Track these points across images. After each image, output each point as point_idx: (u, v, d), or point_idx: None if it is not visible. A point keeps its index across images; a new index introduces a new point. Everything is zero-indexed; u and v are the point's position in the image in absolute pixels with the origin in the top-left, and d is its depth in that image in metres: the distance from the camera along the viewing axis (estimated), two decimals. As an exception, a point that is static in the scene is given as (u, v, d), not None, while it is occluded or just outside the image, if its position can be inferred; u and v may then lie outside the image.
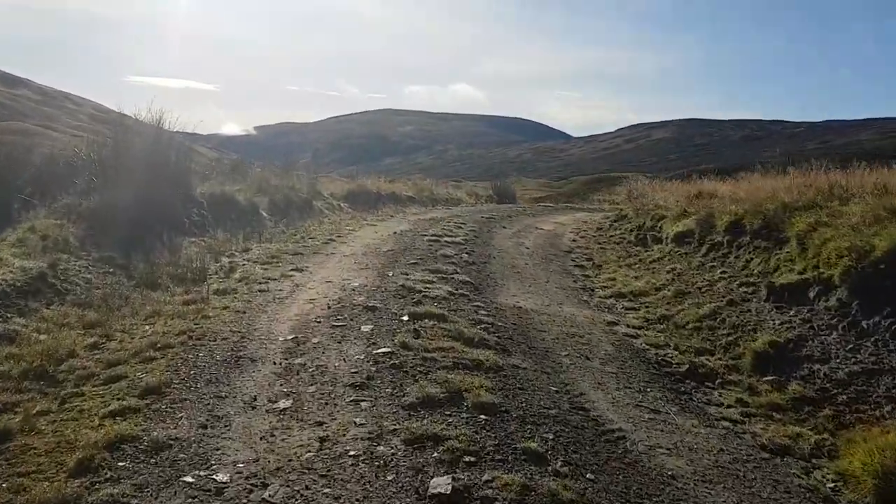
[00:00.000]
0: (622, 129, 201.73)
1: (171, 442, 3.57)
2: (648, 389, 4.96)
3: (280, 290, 6.80)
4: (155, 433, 3.64)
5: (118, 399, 4.08)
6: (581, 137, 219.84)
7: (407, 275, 7.54)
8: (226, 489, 3.16)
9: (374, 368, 4.62)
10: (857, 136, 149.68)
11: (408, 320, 5.72)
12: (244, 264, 8.07)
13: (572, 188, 63.41)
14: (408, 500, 3.12)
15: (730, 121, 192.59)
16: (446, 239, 10.12)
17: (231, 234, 10.27)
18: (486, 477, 3.32)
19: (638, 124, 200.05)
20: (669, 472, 3.67)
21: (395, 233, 10.70)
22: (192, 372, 4.53)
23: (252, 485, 3.19)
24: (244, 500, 3.07)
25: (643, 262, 9.25)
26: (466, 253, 9.18)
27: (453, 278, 7.52)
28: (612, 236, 11.80)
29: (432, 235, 10.43)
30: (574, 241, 11.63)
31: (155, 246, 8.30)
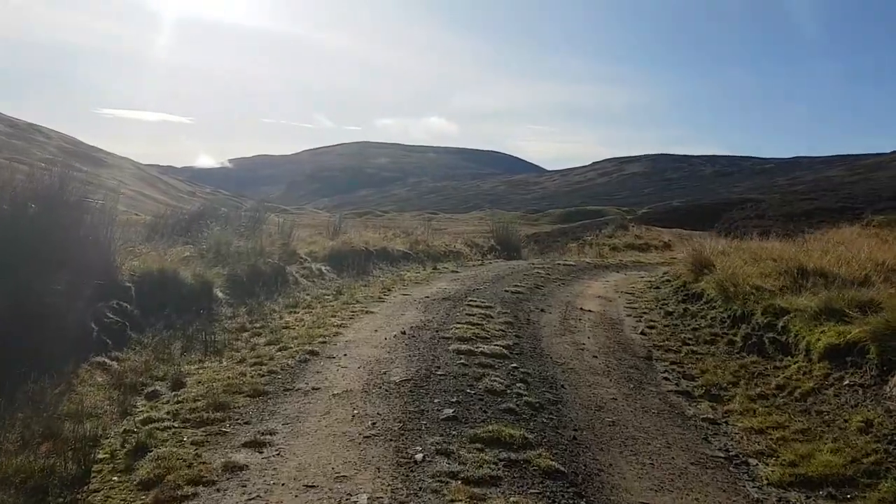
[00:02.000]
0: (596, 162, 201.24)
1: None
2: None
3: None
4: None
5: None
6: (555, 171, 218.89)
7: (447, 452, 4.25)
8: None
9: None
10: (825, 173, 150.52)
11: None
12: (167, 426, 4.68)
13: (558, 227, 60.63)
14: None
15: (700, 156, 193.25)
16: (481, 348, 6.78)
17: (165, 340, 6.86)
18: None
19: (611, 158, 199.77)
20: None
21: (403, 332, 7.35)
22: None
23: None
24: None
25: (790, 395, 6.02)
26: (521, 381, 5.87)
27: (527, 461, 4.24)
28: (695, 328, 8.58)
29: (458, 339, 7.08)
30: (644, 334, 8.39)
31: (18, 392, 4.87)
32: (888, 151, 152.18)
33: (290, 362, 6.20)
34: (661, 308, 10.03)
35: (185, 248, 11.17)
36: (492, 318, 8.32)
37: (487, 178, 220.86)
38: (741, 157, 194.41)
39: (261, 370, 5.96)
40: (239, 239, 11.42)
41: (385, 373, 5.88)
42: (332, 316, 8.30)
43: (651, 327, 8.78)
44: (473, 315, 8.34)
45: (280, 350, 6.62)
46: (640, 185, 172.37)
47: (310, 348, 6.65)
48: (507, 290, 10.50)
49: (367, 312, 8.57)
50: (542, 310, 9.25)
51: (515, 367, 6.25)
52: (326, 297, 9.98)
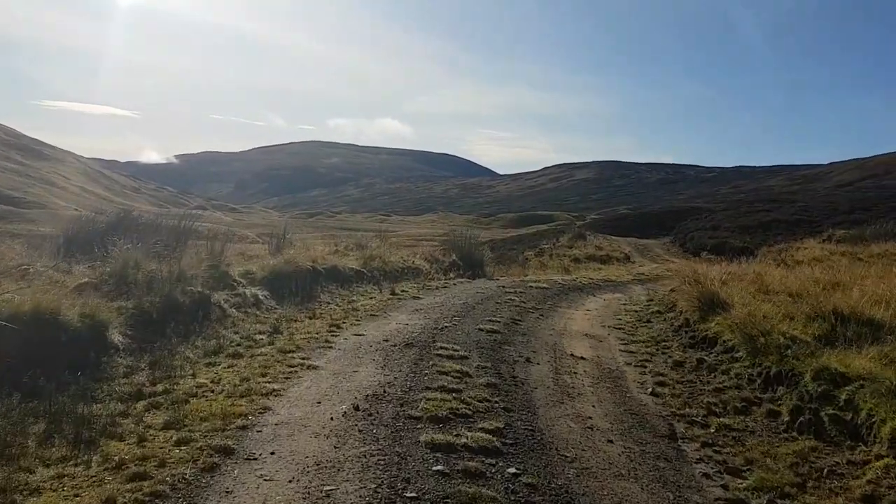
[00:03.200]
0: (547, 168, 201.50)
1: None
2: None
3: None
4: None
5: None
6: (507, 175, 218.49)
7: None
8: None
9: None
10: (766, 182, 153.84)
11: None
12: None
13: (513, 235, 59.22)
14: None
15: (646, 164, 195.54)
16: (464, 437, 4.82)
17: (15, 424, 4.79)
18: None
19: (561, 164, 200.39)
20: None
21: (356, 407, 5.36)
22: None
23: None
24: None
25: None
26: (529, 504, 4.01)
27: None
28: (717, 388, 6.83)
29: (431, 419, 5.12)
30: (655, 394, 6.61)
31: None
32: (825, 163, 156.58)
33: (188, 471, 4.16)
34: (663, 353, 8.28)
35: (86, 270, 9.00)
36: (470, 376, 6.40)
37: (441, 180, 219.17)
38: (685, 165, 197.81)
39: (141, 489, 3.92)
40: (154, 260, 9.24)
41: (329, 494, 3.91)
42: (262, 374, 6.25)
43: (661, 383, 7.01)
44: (446, 372, 6.41)
45: (180, 444, 4.56)
46: (588, 191, 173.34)
47: (222, 441, 4.61)
48: (481, 329, 8.61)
49: (309, 367, 6.55)
50: (527, 359, 7.39)
51: (515, 475, 4.35)
52: (259, 338, 7.91)
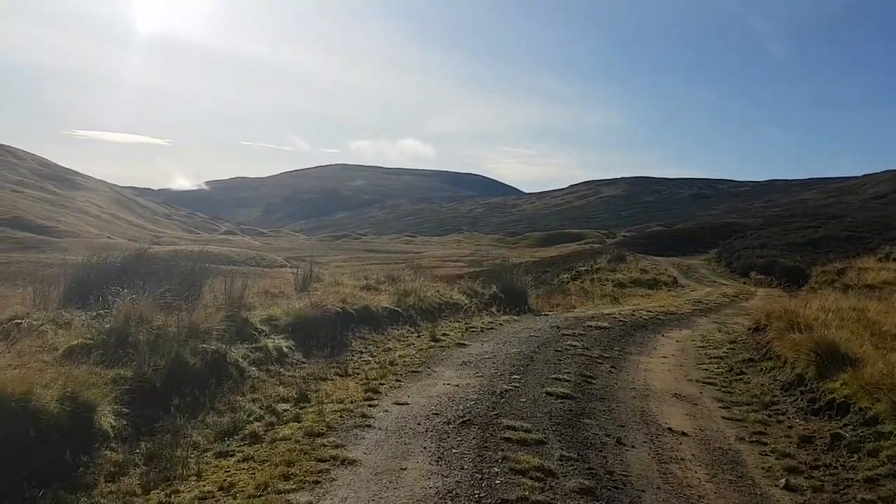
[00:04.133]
0: (573, 185, 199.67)
1: None
2: None
3: None
4: None
5: None
6: (533, 193, 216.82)
7: None
8: None
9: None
10: (800, 196, 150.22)
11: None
12: None
13: (548, 257, 57.59)
14: None
15: (678, 179, 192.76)
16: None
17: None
18: None
19: (589, 181, 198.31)
20: None
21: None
22: None
23: None
24: None
25: None
26: None
27: None
28: (870, 478, 5.24)
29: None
30: (792, 489, 5.05)
31: None
32: (859, 175, 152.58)
33: None
34: (778, 423, 6.65)
35: (86, 324, 7.69)
36: (554, 475, 4.87)
37: (465, 200, 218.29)
38: (718, 179, 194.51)
39: None
40: (162, 312, 7.89)
41: None
42: (285, 476, 4.79)
43: (793, 470, 5.42)
44: (523, 471, 4.89)
45: None
46: (617, 208, 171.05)
47: None
48: (549, 393, 7.07)
49: (343, 463, 5.08)
50: (618, 440, 5.84)
51: None
52: (283, 409, 6.48)
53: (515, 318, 13.30)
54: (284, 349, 8.66)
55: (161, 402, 6.22)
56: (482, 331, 11.18)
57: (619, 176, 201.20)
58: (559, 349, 9.49)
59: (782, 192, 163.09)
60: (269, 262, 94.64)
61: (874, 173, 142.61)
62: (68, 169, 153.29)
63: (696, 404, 7.30)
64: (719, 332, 12.77)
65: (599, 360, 9.06)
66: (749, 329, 11.88)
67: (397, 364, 8.48)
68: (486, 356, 8.90)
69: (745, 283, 33.65)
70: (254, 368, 7.78)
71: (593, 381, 7.82)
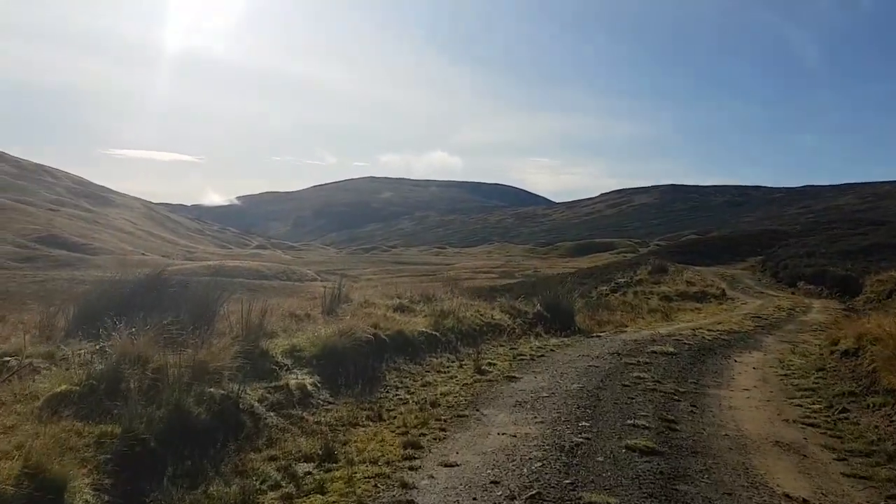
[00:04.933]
0: (604, 194, 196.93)
1: None
2: None
3: None
4: None
5: None
6: (562, 203, 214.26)
7: None
8: None
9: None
10: (835, 202, 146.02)
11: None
12: None
13: (585, 268, 56.02)
14: None
15: (711, 186, 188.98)
16: None
17: None
18: None
19: (620, 190, 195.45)
20: None
21: None
22: None
23: None
24: None
25: None
26: None
27: None
28: None
29: None
30: None
31: None
32: (894, 179, 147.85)
33: None
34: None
35: (70, 371, 6.54)
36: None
37: (494, 210, 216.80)
38: (751, 186, 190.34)
39: None
40: (167, 348, 6.73)
41: None
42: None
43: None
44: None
45: None
46: (649, 216, 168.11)
47: None
48: (630, 448, 5.72)
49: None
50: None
51: None
52: (304, 472, 5.25)
53: (565, 341, 11.95)
54: (308, 387, 7.44)
55: (155, 469, 5.03)
56: (532, 359, 9.86)
57: (650, 184, 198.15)
58: (626, 383, 8.13)
59: (817, 198, 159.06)
60: (299, 276, 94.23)
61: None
62: (102, 186, 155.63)
63: (804, 455, 5.90)
64: (794, 354, 11.29)
65: (676, 397, 7.68)
66: (833, 352, 10.39)
67: (440, 405, 7.20)
68: (543, 393, 7.58)
69: (793, 293, 31.79)
70: (272, 414, 6.57)
71: (677, 428, 6.46)
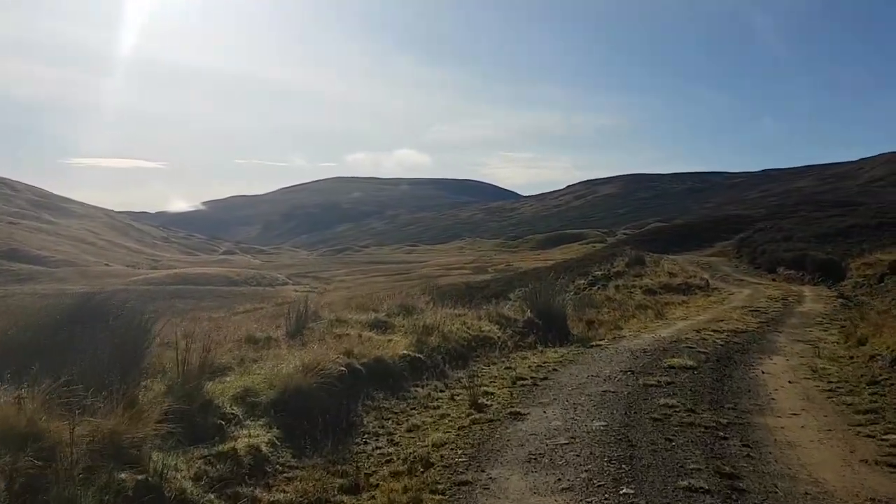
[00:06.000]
0: (570, 186, 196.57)
1: None
2: None
3: None
4: None
5: None
6: (531, 196, 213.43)
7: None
8: None
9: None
10: (795, 184, 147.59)
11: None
12: None
13: (559, 262, 54.88)
14: None
15: (672, 174, 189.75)
16: None
17: None
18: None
19: (586, 181, 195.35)
20: None
21: None
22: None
23: None
24: None
25: None
26: None
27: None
28: None
29: None
30: None
31: None
32: (855, 160, 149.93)
33: None
34: None
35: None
36: None
37: (465, 206, 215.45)
38: (711, 172, 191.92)
39: None
40: (59, 417, 4.96)
41: None
42: None
43: None
44: None
45: None
46: (614, 206, 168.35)
47: None
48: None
49: None
50: None
51: None
52: None
53: (564, 353, 10.38)
54: (264, 448, 5.74)
55: None
56: (535, 384, 8.25)
57: (615, 174, 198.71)
58: (657, 416, 6.58)
59: (777, 181, 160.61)
60: (270, 281, 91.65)
61: (870, 157, 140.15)
62: (63, 197, 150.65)
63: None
64: (821, 358, 9.90)
65: (720, 433, 6.15)
66: (874, 358, 9.00)
67: (433, 464, 5.56)
68: (561, 439, 5.99)
69: (774, 279, 30.82)
70: (212, 497, 4.86)
71: (742, 486, 4.92)
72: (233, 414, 6.35)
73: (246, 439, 5.80)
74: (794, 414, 6.88)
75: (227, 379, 7.72)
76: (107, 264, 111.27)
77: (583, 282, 33.56)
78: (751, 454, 5.63)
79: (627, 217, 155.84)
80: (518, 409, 7.01)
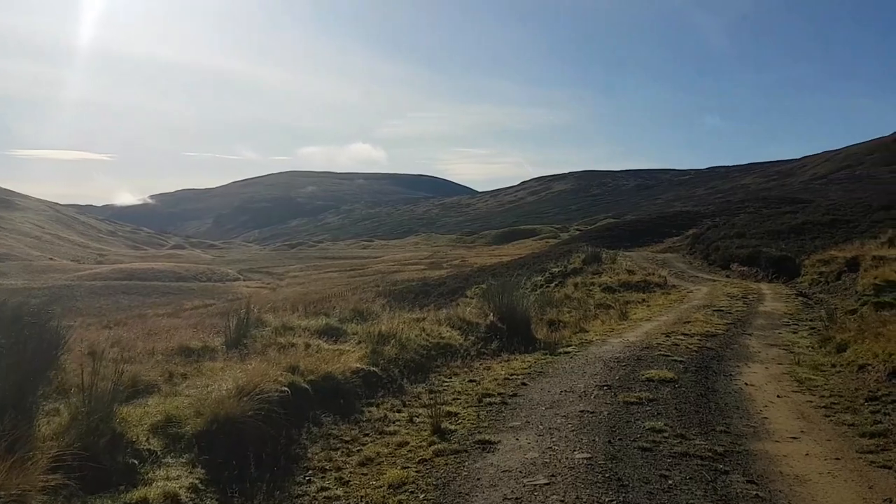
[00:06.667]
0: (525, 182, 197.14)
1: None
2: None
3: None
4: None
5: None
6: (486, 192, 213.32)
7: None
8: None
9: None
10: (741, 181, 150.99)
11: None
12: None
13: (515, 259, 54.36)
14: None
15: (623, 171, 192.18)
16: None
17: None
18: None
19: (540, 177, 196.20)
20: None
21: None
22: None
23: None
24: None
25: None
26: None
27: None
28: None
29: None
30: None
31: None
32: (798, 157, 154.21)
33: None
34: None
35: None
36: None
37: (420, 201, 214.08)
38: (660, 169, 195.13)
39: None
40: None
41: None
42: None
43: None
44: None
45: None
46: (567, 202, 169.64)
47: None
48: None
49: None
50: None
51: None
52: None
53: (531, 363, 9.51)
54: (183, 496, 4.69)
55: None
56: (503, 402, 7.33)
57: (567, 171, 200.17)
58: (645, 445, 5.74)
59: (724, 178, 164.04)
60: (221, 276, 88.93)
61: (813, 154, 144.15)
62: (6, 189, 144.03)
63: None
64: (802, 366, 9.27)
65: (719, 465, 5.34)
66: (864, 369, 8.38)
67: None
68: (539, 477, 5.08)
69: (728, 276, 30.73)
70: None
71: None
72: (149, 450, 5.27)
73: (162, 484, 4.75)
74: (794, 437, 6.14)
75: (150, 402, 6.63)
76: (51, 259, 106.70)
77: (540, 279, 32.98)
78: (759, 494, 4.83)
79: (580, 213, 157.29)
80: (487, 437, 6.08)
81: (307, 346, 8.90)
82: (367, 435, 6.34)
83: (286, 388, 6.63)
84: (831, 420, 6.62)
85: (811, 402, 7.29)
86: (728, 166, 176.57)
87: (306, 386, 7.04)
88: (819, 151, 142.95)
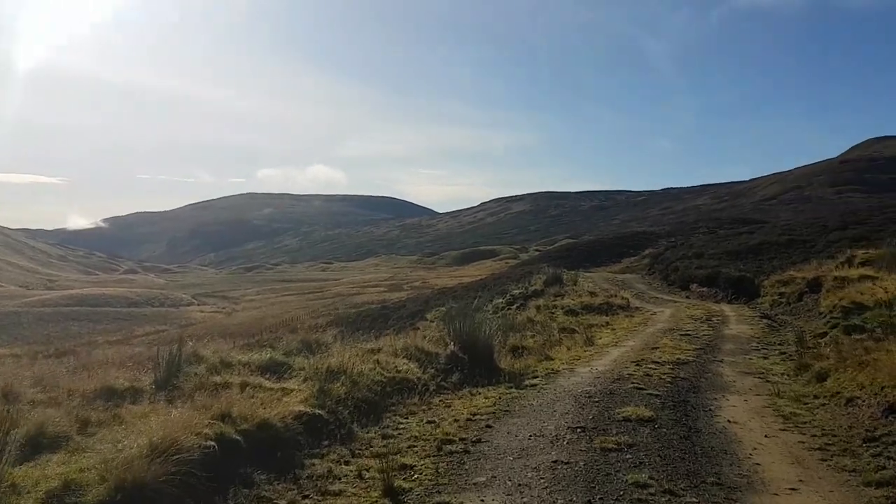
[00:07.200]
0: (484, 203, 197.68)
1: None
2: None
3: None
4: None
5: None
6: (446, 213, 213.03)
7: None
8: None
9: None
10: (694, 202, 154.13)
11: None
12: None
13: (476, 280, 53.66)
14: None
15: (579, 192, 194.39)
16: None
17: None
18: None
19: (499, 198, 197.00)
20: None
21: None
22: None
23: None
24: None
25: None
26: None
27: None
28: None
29: None
30: None
31: None
32: (747, 179, 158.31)
33: None
34: None
35: None
36: None
37: (380, 223, 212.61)
38: (615, 191, 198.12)
39: None
40: None
41: None
42: None
43: None
44: None
45: None
46: (526, 223, 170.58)
47: None
48: None
49: None
50: None
51: None
52: None
53: (496, 399, 8.67)
54: None
55: None
56: (465, 450, 6.45)
57: (526, 192, 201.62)
58: (630, 502, 4.94)
59: (677, 199, 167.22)
60: (174, 301, 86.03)
61: (762, 176, 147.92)
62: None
63: None
64: (783, 398, 8.65)
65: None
66: (847, 400, 7.77)
67: None
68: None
69: (687, 297, 30.54)
70: None
71: None
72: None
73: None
74: (793, 489, 5.41)
75: (53, 460, 5.62)
76: (1, 285, 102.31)
77: (501, 301, 32.24)
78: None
79: (538, 234, 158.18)
80: (447, 499, 5.19)
81: (244, 386, 7.89)
82: (306, 496, 5.40)
83: (212, 443, 5.66)
84: (829, 466, 5.93)
85: (803, 442, 6.60)
86: (680, 188, 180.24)
87: (238, 437, 6.07)
88: (768, 174, 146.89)
